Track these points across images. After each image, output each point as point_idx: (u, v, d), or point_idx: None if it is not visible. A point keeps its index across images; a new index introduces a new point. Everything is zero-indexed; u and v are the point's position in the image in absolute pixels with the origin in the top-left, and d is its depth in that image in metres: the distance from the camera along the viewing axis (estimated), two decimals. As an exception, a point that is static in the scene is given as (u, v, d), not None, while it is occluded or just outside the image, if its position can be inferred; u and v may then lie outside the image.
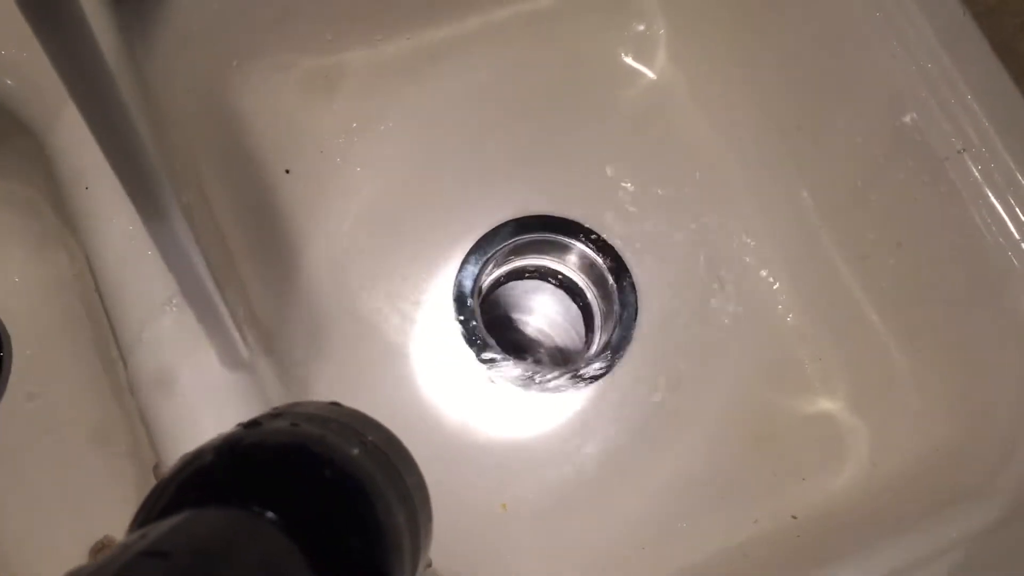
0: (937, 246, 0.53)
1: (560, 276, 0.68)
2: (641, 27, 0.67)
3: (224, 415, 0.42)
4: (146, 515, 0.23)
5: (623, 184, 0.65)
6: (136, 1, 0.50)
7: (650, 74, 0.67)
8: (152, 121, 0.49)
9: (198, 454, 0.24)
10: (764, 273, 0.63)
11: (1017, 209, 0.49)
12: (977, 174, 0.50)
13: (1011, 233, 0.50)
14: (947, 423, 0.54)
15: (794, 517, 0.57)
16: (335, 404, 0.30)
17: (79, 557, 0.55)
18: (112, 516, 0.52)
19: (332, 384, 0.56)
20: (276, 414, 0.28)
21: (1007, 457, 0.49)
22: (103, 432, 0.52)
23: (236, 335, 0.42)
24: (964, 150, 0.50)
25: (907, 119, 0.52)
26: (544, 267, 0.68)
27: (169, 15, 0.51)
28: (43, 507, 0.54)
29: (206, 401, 0.42)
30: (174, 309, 0.42)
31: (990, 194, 0.50)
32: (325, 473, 0.25)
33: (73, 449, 0.53)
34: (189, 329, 0.42)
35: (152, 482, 0.43)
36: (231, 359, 0.42)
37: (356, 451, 0.26)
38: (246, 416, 0.43)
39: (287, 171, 0.62)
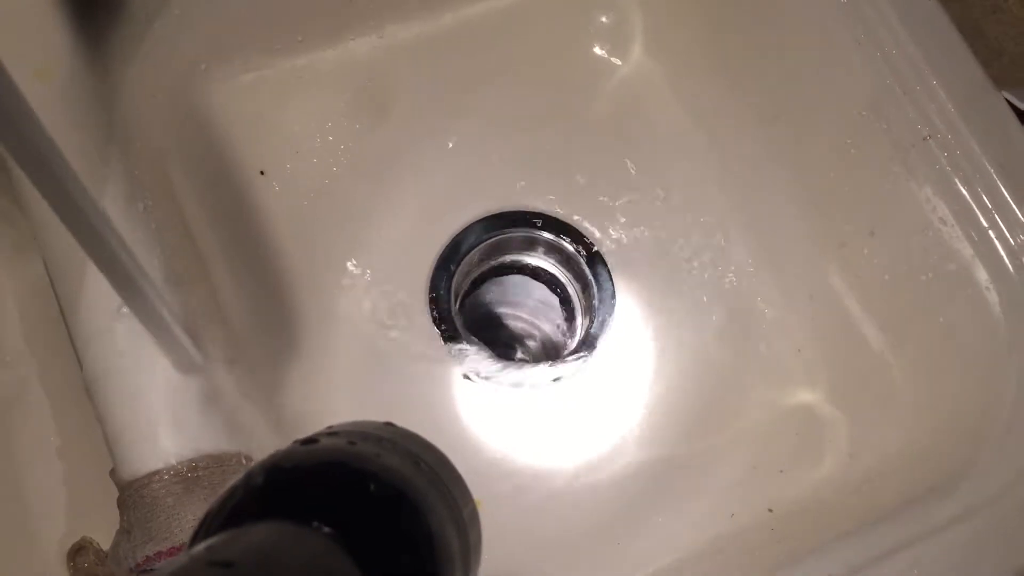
0: (907, 235, 0.53)
1: (540, 271, 0.68)
2: (615, 20, 0.67)
3: (178, 418, 0.43)
4: (207, 528, 0.24)
5: (600, 177, 0.64)
6: (91, 6, 0.50)
7: (625, 67, 0.67)
8: (112, 126, 0.49)
9: (250, 473, 0.25)
10: (743, 264, 0.62)
11: (984, 196, 0.49)
12: (944, 161, 0.49)
13: (978, 221, 0.49)
14: (924, 415, 0.54)
15: (770, 510, 0.56)
16: (390, 424, 0.31)
17: (57, 560, 0.56)
18: (86, 519, 0.52)
19: (303, 385, 0.57)
20: (332, 432, 0.28)
21: (981, 449, 0.49)
22: (76, 435, 0.53)
23: (185, 340, 0.42)
24: (930, 137, 0.49)
25: (873, 107, 0.52)
26: (523, 263, 0.68)
27: (128, 20, 0.52)
28: (18, 510, 0.55)
29: (159, 404, 0.43)
30: (127, 314, 0.43)
31: (957, 182, 0.49)
32: (380, 490, 0.25)
33: (48, 453, 0.54)
34: (143, 334, 0.42)
35: (111, 485, 0.44)
36: (183, 363, 0.43)
37: (410, 470, 0.27)
38: (199, 419, 0.44)
39: (262, 172, 0.62)
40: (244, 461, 0.44)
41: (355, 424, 0.30)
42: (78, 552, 0.56)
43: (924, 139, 0.49)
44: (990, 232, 0.48)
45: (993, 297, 0.49)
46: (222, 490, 0.25)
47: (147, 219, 0.47)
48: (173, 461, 0.42)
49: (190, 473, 0.42)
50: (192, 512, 0.41)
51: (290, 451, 0.26)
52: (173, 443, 0.42)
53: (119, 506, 0.43)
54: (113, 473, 0.43)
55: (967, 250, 0.49)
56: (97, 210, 0.32)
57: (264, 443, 0.50)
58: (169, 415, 0.43)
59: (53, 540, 0.54)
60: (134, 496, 0.42)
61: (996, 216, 0.48)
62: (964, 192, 0.49)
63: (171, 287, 0.45)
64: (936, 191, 0.50)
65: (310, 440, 0.27)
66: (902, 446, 0.54)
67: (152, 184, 0.53)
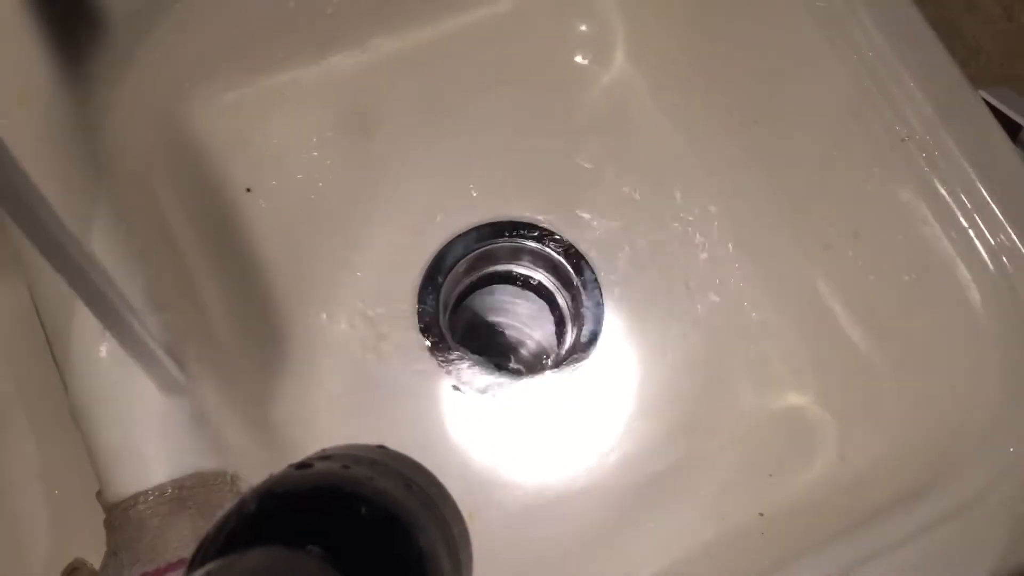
0: (890, 236, 0.53)
1: (528, 280, 0.68)
2: (597, 29, 0.67)
3: (162, 439, 0.43)
4: (203, 555, 0.24)
5: (584, 185, 0.65)
6: (71, 28, 0.50)
7: (608, 75, 0.67)
8: (95, 149, 0.50)
9: (243, 500, 0.25)
10: (728, 269, 0.63)
11: (963, 196, 0.49)
12: (922, 162, 0.50)
13: (958, 221, 0.49)
14: (911, 415, 0.54)
15: (761, 514, 0.56)
16: (382, 447, 0.31)
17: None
18: (73, 540, 0.53)
19: (292, 400, 0.57)
20: (326, 456, 0.28)
21: (965, 448, 0.49)
22: (61, 458, 0.53)
23: (168, 361, 0.42)
24: (908, 138, 0.50)
25: (851, 109, 0.52)
26: (511, 272, 0.68)
27: (110, 43, 0.52)
28: (12, 530, 0.55)
29: (144, 426, 0.43)
30: (110, 336, 0.43)
31: (936, 182, 0.49)
32: (373, 513, 0.25)
33: (33, 474, 0.54)
34: (127, 356, 0.42)
35: (98, 507, 0.44)
36: (166, 384, 0.43)
37: (403, 493, 0.27)
38: (183, 439, 0.44)
39: (248, 189, 0.62)
40: (230, 479, 0.44)
41: (348, 447, 0.30)
42: (72, 573, 0.56)
43: (902, 140, 0.50)
44: (970, 232, 0.49)
45: (975, 296, 0.49)
46: (217, 514, 0.25)
47: (130, 241, 0.47)
48: (158, 481, 0.42)
49: (176, 493, 0.42)
50: (178, 532, 0.41)
51: (284, 475, 0.26)
52: (158, 464, 0.42)
53: (106, 528, 0.43)
54: (99, 495, 0.43)
55: (948, 250, 0.49)
56: (74, 239, 0.33)
57: (251, 460, 0.50)
58: (153, 436, 0.43)
59: (38, 560, 0.54)
60: (120, 517, 0.42)
61: (976, 216, 0.49)
62: (943, 192, 0.49)
63: (154, 308, 0.45)
64: (916, 192, 0.50)
65: (304, 464, 0.27)
66: (890, 447, 0.54)
67: (137, 205, 0.53)
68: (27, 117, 0.47)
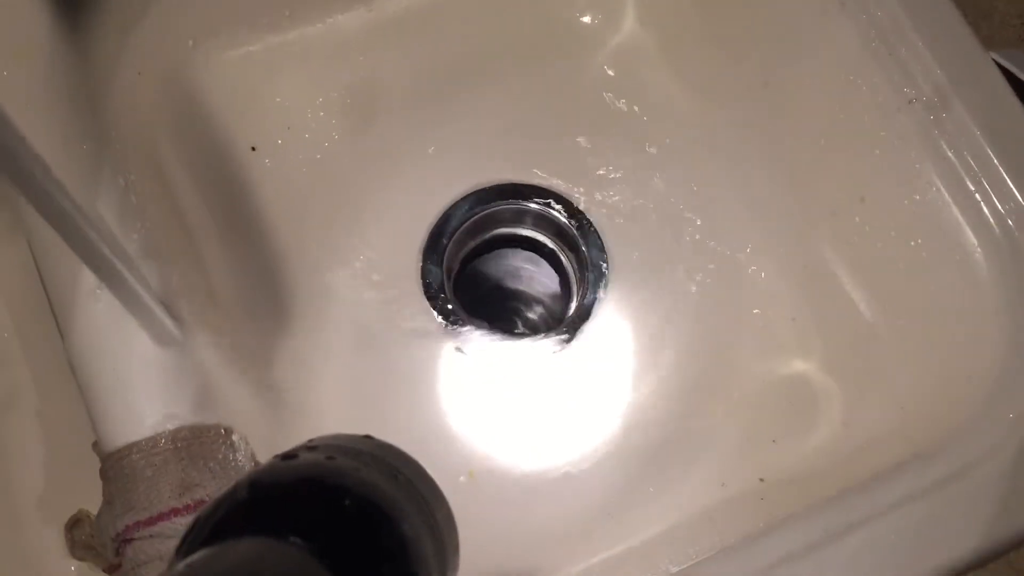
0: (897, 201, 0.52)
1: (535, 242, 0.68)
2: (607, -11, 0.66)
3: (156, 391, 0.43)
4: (189, 544, 0.25)
5: (591, 147, 0.64)
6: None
7: (618, 36, 0.66)
8: (95, 104, 0.50)
9: (235, 488, 0.26)
10: (735, 232, 0.62)
11: (971, 161, 0.48)
12: (930, 125, 0.49)
13: (966, 186, 0.48)
14: (914, 382, 0.53)
15: (762, 480, 0.56)
16: (368, 437, 0.32)
17: (55, 533, 0.57)
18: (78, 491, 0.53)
19: (292, 359, 0.57)
20: (312, 447, 0.29)
21: (966, 415, 0.48)
22: (64, 412, 0.54)
23: (162, 314, 0.42)
24: (915, 100, 0.49)
25: (859, 70, 0.51)
26: (517, 235, 0.68)
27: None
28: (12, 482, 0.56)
29: (138, 377, 0.43)
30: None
31: (944, 145, 0.48)
32: (357, 503, 0.26)
33: (37, 430, 0.55)
34: (123, 308, 0.43)
35: (94, 458, 0.45)
36: (161, 337, 0.43)
37: (387, 483, 0.28)
38: (178, 392, 0.44)
39: (253, 148, 0.62)
40: (224, 433, 0.44)
41: (335, 437, 0.31)
42: (75, 524, 0.57)
43: (910, 102, 0.49)
44: (977, 196, 0.48)
45: (981, 263, 0.48)
46: (211, 465, 0.26)
47: (128, 193, 0.47)
48: (152, 432, 0.42)
49: (169, 444, 0.42)
50: (170, 482, 0.41)
51: (270, 467, 0.27)
52: (152, 415, 0.43)
53: (101, 477, 0.43)
54: (95, 445, 0.44)
55: (955, 215, 0.49)
56: (64, 190, 0.33)
57: (249, 418, 0.50)
58: (148, 388, 0.43)
59: (31, 501, 0.55)
60: (115, 467, 0.42)
61: (983, 181, 0.48)
62: (951, 156, 0.48)
63: (150, 261, 0.46)
64: (923, 156, 0.49)
65: (289, 455, 0.28)
66: (893, 413, 0.53)
67: (138, 160, 0.53)
68: (25, 73, 0.47)
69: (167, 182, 0.56)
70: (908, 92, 0.49)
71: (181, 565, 0.22)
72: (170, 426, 0.43)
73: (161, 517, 0.40)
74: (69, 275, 0.44)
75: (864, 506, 0.45)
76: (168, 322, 0.43)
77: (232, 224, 0.60)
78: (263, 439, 0.48)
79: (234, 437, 0.44)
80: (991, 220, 0.48)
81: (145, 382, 0.43)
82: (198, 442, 0.43)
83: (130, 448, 0.42)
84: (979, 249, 0.48)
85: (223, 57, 0.61)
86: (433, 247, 0.62)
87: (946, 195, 0.49)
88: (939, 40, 0.48)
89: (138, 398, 0.43)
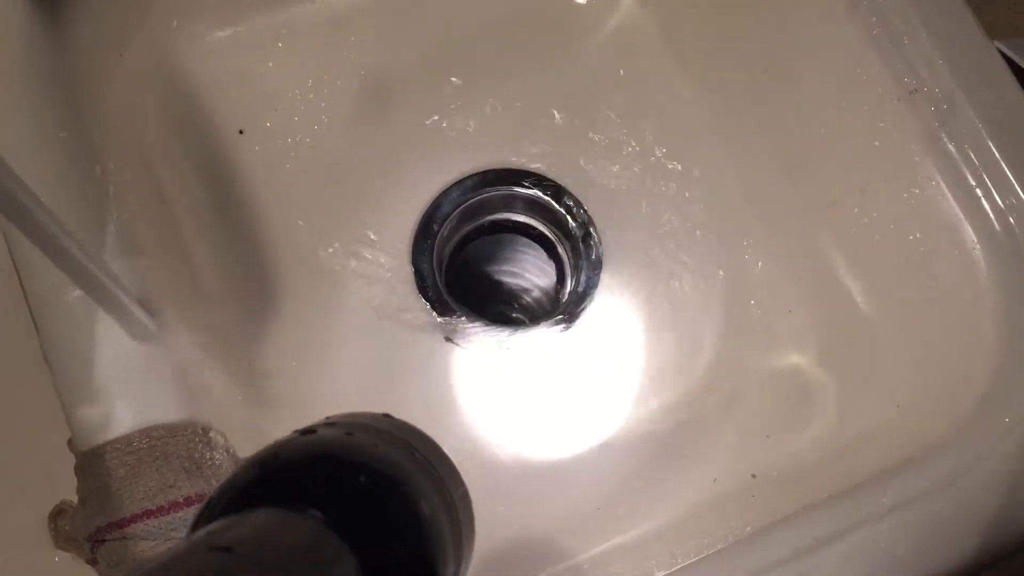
0: (897, 193, 0.51)
1: (528, 228, 0.67)
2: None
3: (131, 388, 0.43)
4: (207, 515, 0.25)
5: (588, 132, 0.62)
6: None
7: (617, 17, 0.64)
8: (71, 87, 0.48)
9: (256, 459, 0.26)
10: (732, 223, 0.61)
11: (972, 155, 0.46)
12: (931, 116, 0.47)
13: (966, 180, 0.47)
14: (909, 379, 0.52)
15: (754, 476, 0.55)
16: (387, 416, 0.32)
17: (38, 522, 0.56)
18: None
19: (277, 350, 0.56)
20: (330, 423, 0.29)
21: (960, 415, 0.47)
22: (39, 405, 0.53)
23: (136, 308, 0.41)
24: (917, 90, 0.47)
25: (860, 59, 0.49)
26: (510, 220, 0.67)
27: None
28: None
29: (112, 373, 0.42)
30: (80, 283, 0.42)
31: (944, 138, 0.47)
32: (374, 478, 0.26)
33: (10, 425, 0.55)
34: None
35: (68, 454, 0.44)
36: (136, 332, 0.42)
37: (405, 459, 0.28)
38: (153, 389, 0.44)
39: (240, 131, 0.61)
40: (201, 431, 0.43)
41: (353, 415, 0.31)
42: (58, 514, 0.56)
43: (911, 92, 0.47)
44: (977, 191, 0.46)
45: (979, 259, 0.47)
46: (186, 465, 0.27)
47: (105, 182, 0.46)
48: (126, 431, 0.41)
49: (143, 443, 0.41)
50: (144, 483, 0.40)
51: (287, 441, 0.27)
52: (127, 413, 0.42)
53: (76, 475, 0.43)
54: (70, 442, 0.43)
55: (954, 210, 0.47)
56: (23, 186, 0.32)
57: (231, 411, 0.49)
58: (123, 385, 0.42)
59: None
60: (88, 466, 0.41)
61: (984, 175, 0.46)
62: (952, 149, 0.47)
63: (125, 254, 0.45)
64: (924, 148, 0.48)
65: (308, 431, 0.28)
66: (889, 411, 0.52)
67: (118, 146, 0.52)
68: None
69: (150, 167, 0.55)
70: (909, 82, 0.47)
71: (201, 532, 0.23)
72: (144, 424, 0.42)
73: (134, 519, 0.40)
74: (44, 267, 0.43)
75: (854, 512, 0.44)
76: (143, 317, 0.42)
77: (218, 210, 0.59)
78: (248, 432, 0.47)
79: (211, 435, 0.43)
80: (991, 216, 0.46)
81: (120, 379, 0.42)
82: (173, 440, 0.42)
83: (103, 447, 0.41)
84: (978, 245, 0.47)
85: (209, 38, 0.60)
86: (424, 234, 0.61)
87: (945, 189, 0.47)
88: (943, 29, 0.47)
89: (113, 395, 0.42)
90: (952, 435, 0.46)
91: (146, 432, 0.41)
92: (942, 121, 0.46)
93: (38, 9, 0.48)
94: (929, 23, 0.47)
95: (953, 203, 0.47)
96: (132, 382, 0.43)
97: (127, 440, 0.41)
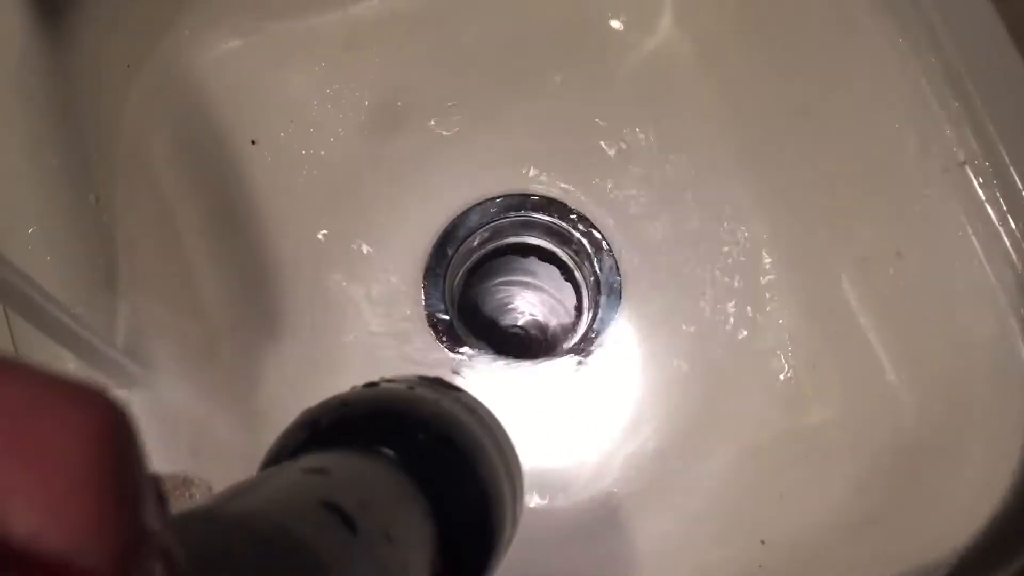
0: (934, 264, 0.48)
1: (546, 256, 0.64)
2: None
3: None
4: (276, 457, 0.26)
5: (616, 161, 0.59)
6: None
7: (652, 41, 0.61)
8: (71, 101, 0.46)
9: (324, 409, 0.27)
10: (757, 266, 0.57)
11: (1019, 235, 0.43)
12: (977, 190, 0.44)
13: (1013, 263, 0.43)
14: (936, 464, 0.49)
15: (763, 542, 0.53)
16: (439, 379, 0.33)
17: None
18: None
19: (277, 382, 0.54)
20: (391, 380, 0.30)
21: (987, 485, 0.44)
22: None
23: (117, 357, 0.39)
24: (966, 163, 0.44)
25: (908, 119, 0.46)
26: (528, 246, 0.64)
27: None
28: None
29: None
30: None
31: (991, 215, 0.44)
32: (439, 430, 0.27)
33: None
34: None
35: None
36: (120, 379, 0.40)
37: (466, 416, 0.29)
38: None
39: (253, 142, 0.59)
40: (182, 483, 0.41)
41: (407, 376, 0.32)
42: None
43: (960, 164, 0.44)
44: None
45: (1019, 348, 0.43)
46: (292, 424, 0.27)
47: (97, 214, 0.44)
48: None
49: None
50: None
51: (353, 392, 0.28)
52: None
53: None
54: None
55: (998, 294, 0.44)
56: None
57: (228, 446, 0.48)
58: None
59: None
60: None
61: (1031, 261, 0.43)
62: (999, 230, 0.43)
63: (112, 294, 0.43)
64: (967, 222, 0.44)
65: (371, 384, 0.29)
66: (912, 495, 0.49)
67: (120, 163, 0.50)
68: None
69: (155, 180, 0.53)
70: (958, 153, 0.44)
71: (291, 461, 0.24)
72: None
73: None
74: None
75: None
76: (126, 363, 0.40)
77: (225, 226, 0.57)
78: (243, 470, 0.46)
79: (193, 488, 0.42)
80: (1035, 306, 0.43)
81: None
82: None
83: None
84: (1020, 334, 0.43)
85: (223, 47, 0.57)
86: (438, 258, 0.59)
87: (989, 270, 0.44)
88: (999, 98, 0.43)
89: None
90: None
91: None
92: (991, 199, 0.43)
93: (39, 14, 0.46)
94: (985, 90, 0.43)
95: (997, 286, 0.44)
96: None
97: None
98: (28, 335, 0.40)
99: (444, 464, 0.26)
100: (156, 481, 0.13)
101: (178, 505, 0.41)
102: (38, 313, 0.34)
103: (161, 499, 0.13)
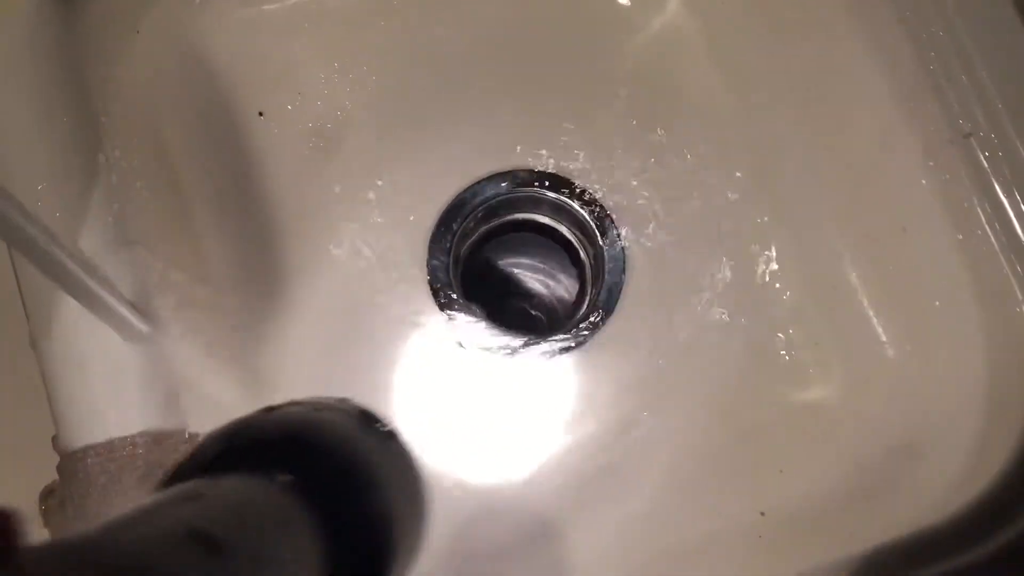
0: (939, 239, 0.48)
1: (551, 233, 0.65)
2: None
3: (119, 391, 0.41)
4: (172, 481, 0.25)
5: (621, 140, 0.60)
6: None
7: (660, 22, 0.61)
8: (83, 66, 0.46)
9: (223, 431, 0.27)
10: (763, 245, 0.58)
11: (1019, 196, 0.43)
12: (983, 162, 0.44)
13: (1016, 234, 0.44)
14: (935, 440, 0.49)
15: (762, 514, 0.53)
16: (345, 400, 0.33)
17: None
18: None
19: (279, 347, 0.54)
20: (296, 403, 0.30)
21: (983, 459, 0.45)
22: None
23: (127, 311, 0.40)
24: (971, 135, 0.44)
25: (914, 95, 0.46)
26: (533, 223, 0.64)
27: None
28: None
29: (101, 375, 0.41)
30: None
31: (996, 186, 0.44)
32: (336, 448, 0.27)
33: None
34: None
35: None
36: (126, 333, 0.41)
37: (364, 433, 0.30)
38: (141, 393, 0.42)
39: (260, 114, 0.59)
40: (188, 439, 0.42)
41: (316, 398, 0.32)
42: (50, 494, 0.55)
43: (965, 136, 0.44)
44: (1027, 244, 0.43)
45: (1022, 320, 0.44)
46: (178, 458, 0.26)
47: (107, 172, 0.44)
48: (110, 436, 0.40)
49: (127, 450, 0.40)
50: (123, 494, 0.39)
51: (253, 415, 0.28)
52: (112, 417, 0.41)
53: (58, 473, 0.41)
54: (55, 439, 0.42)
55: (1001, 263, 0.44)
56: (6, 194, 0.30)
57: (229, 406, 0.48)
58: (111, 388, 0.41)
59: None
60: (70, 468, 0.40)
61: (1037, 232, 0.43)
62: (1004, 200, 0.44)
63: (125, 246, 0.43)
64: (972, 194, 0.45)
65: (273, 408, 0.29)
66: (907, 463, 0.50)
67: (129, 128, 0.50)
68: (3, 36, 0.44)
69: (162, 149, 0.53)
70: (964, 125, 0.44)
71: (175, 488, 0.23)
72: (130, 430, 0.40)
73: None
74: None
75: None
76: (135, 318, 0.40)
77: (232, 194, 0.57)
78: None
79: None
80: (1041, 274, 0.43)
81: (109, 381, 0.41)
82: (159, 448, 0.40)
83: (86, 451, 0.40)
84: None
85: (234, 16, 0.58)
86: (443, 232, 0.59)
87: (993, 241, 0.44)
88: (1005, 72, 0.43)
89: (100, 398, 0.41)
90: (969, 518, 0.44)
91: (131, 440, 0.40)
92: (996, 170, 0.43)
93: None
94: (991, 64, 0.43)
95: (1000, 256, 0.44)
96: (124, 384, 0.41)
97: (109, 447, 0.40)
98: (35, 282, 0.40)
99: (337, 487, 0.26)
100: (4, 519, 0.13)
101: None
102: (51, 265, 0.35)
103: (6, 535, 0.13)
